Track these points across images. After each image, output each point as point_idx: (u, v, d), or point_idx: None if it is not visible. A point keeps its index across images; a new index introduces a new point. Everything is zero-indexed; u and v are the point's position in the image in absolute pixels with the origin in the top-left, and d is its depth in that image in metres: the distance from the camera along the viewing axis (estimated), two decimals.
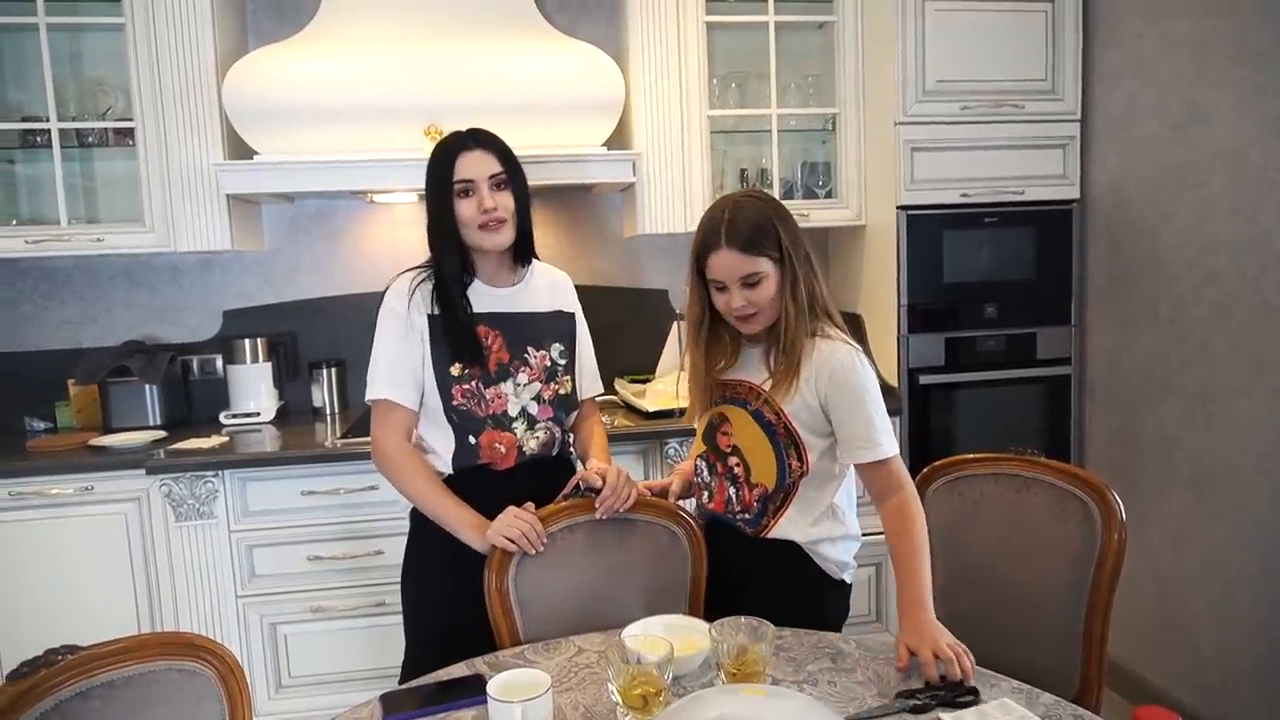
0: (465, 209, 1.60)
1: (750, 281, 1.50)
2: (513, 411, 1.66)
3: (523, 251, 1.72)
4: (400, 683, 1.57)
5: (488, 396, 1.64)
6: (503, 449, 1.66)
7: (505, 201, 1.63)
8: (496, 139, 1.66)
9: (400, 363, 1.63)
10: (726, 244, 1.49)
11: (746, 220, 1.50)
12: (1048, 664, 1.52)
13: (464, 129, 1.67)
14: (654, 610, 1.53)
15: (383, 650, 2.54)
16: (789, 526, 1.60)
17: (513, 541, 1.52)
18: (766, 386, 1.56)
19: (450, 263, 1.64)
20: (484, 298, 1.68)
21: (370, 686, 2.48)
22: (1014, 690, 1.18)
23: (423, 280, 1.66)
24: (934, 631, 1.33)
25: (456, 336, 1.63)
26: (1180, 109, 2.43)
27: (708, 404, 1.66)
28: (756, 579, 1.62)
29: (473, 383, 1.64)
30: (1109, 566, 1.50)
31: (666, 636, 1.28)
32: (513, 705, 1.17)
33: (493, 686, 1.21)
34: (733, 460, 1.63)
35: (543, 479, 1.67)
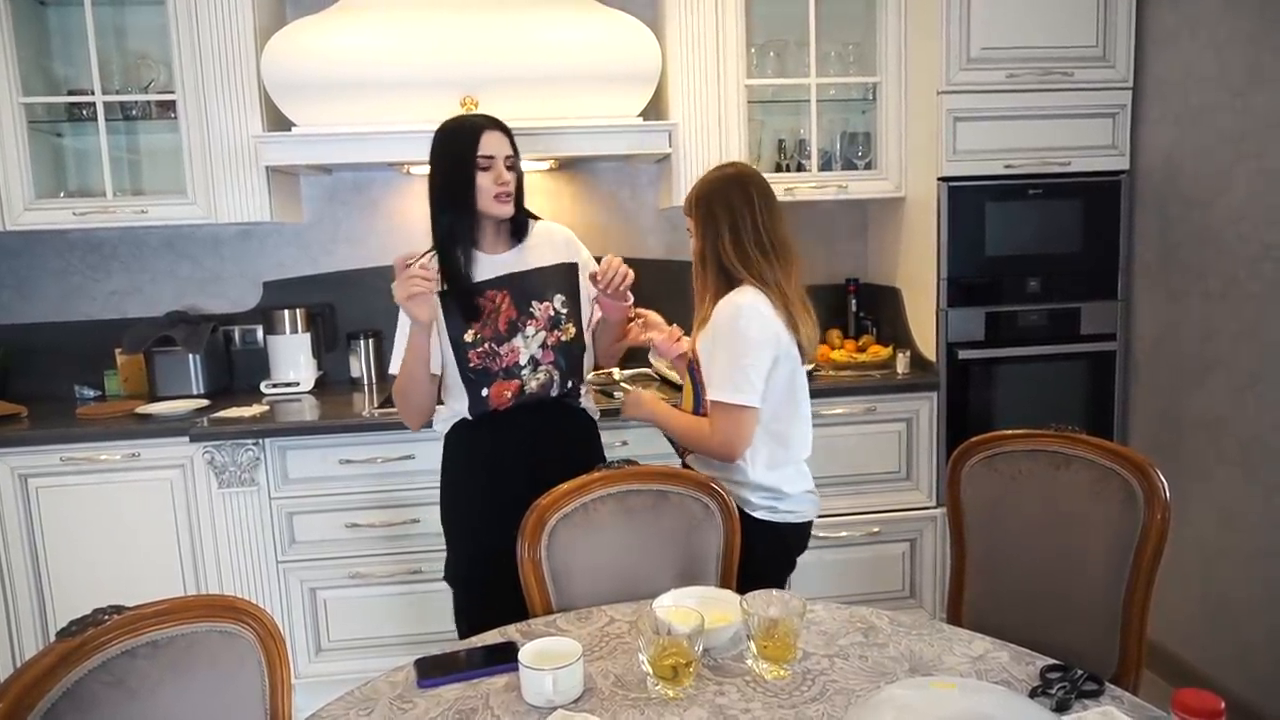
0: (484, 180, 1.77)
1: (692, 234, 1.82)
2: (523, 361, 1.83)
3: (518, 224, 1.89)
4: (446, 578, 1.92)
5: (502, 352, 1.81)
6: (509, 394, 1.83)
7: (512, 179, 1.82)
8: (508, 127, 1.84)
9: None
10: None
11: (695, 185, 1.82)
12: (1086, 643, 1.49)
13: (479, 113, 1.88)
14: (685, 581, 1.53)
15: (419, 616, 2.59)
16: (695, 460, 1.84)
17: (416, 294, 1.66)
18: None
19: (461, 226, 1.80)
20: (486, 266, 1.84)
21: (406, 651, 2.53)
22: (1113, 698, 1.16)
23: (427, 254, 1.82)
24: (637, 398, 1.88)
25: (465, 300, 1.80)
26: (1240, 74, 2.33)
27: None
28: None
29: (486, 344, 1.81)
30: (1151, 546, 1.47)
31: (698, 608, 1.28)
32: (544, 673, 1.19)
33: (525, 654, 1.23)
34: (683, 387, 1.92)
35: (540, 417, 1.87)
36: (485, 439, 1.86)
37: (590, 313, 1.94)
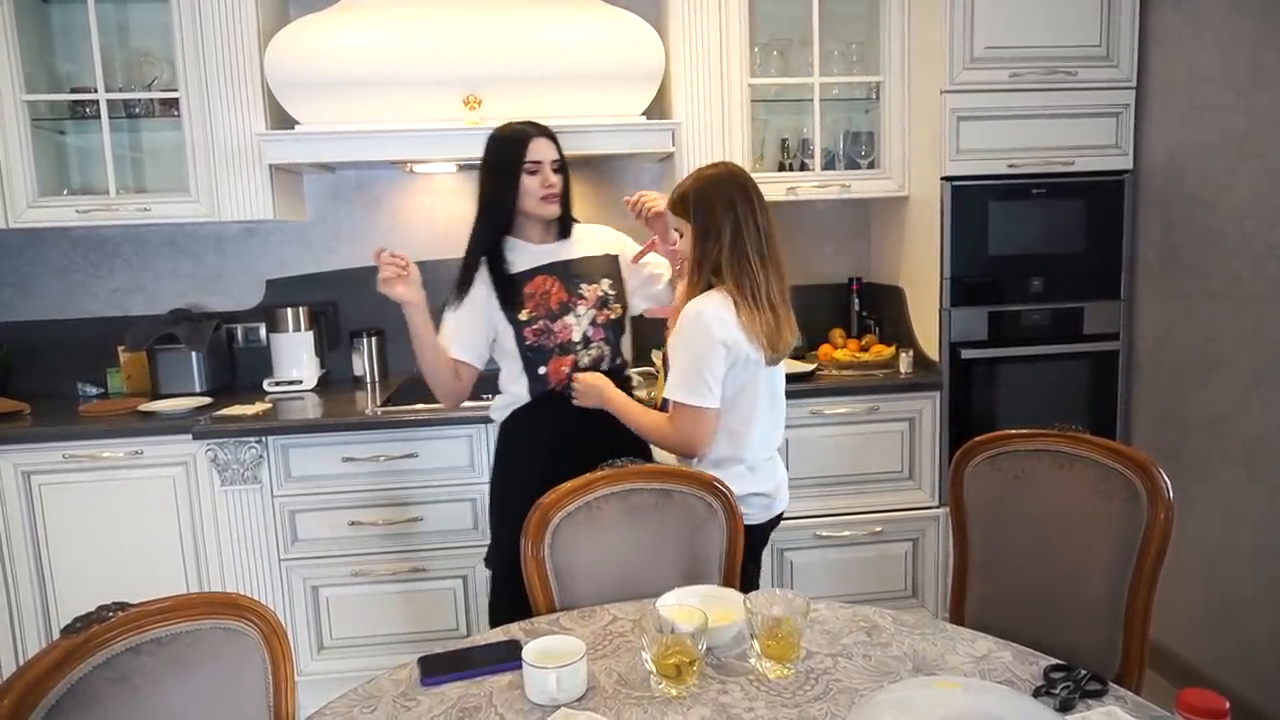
0: (531, 183, 1.92)
1: (682, 234, 1.80)
2: (575, 338, 1.96)
3: (564, 222, 2.04)
4: (486, 563, 2.08)
5: (555, 329, 1.94)
6: (566, 369, 1.95)
7: (559, 182, 1.96)
8: (554, 133, 1.98)
9: (461, 332, 1.96)
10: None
11: (687, 183, 1.79)
12: (1088, 643, 1.49)
13: (528, 121, 1.98)
14: (688, 580, 1.53)
15: (421, 614, 2.59)
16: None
17: (387, 278, 1.80)
18: None
19: (503, 223, 1.97)
20: (536, 255, 1.98)
21: (408, 649, 2.53)
22: (1116, 699, 1.16)
23: (469, 266, 1.98)
24: (593, 381, 1.87)
25: (509, 288, 1.95)
26: (1244, 73, 2.33)
27: None
28: None
29: (541, 321, 1.94)
30: (1154, 546, 1.47)
31: (701, 607, 1.28)
32: (547, 671, 1.19)
33: (528, 652, 1.23)
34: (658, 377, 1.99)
35: None
36: (546, 418, 1.96)
37: (637, 284, 2.09)
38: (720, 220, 1.73)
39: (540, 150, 1.92)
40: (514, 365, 1.97)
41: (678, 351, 1.74)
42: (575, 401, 1.92)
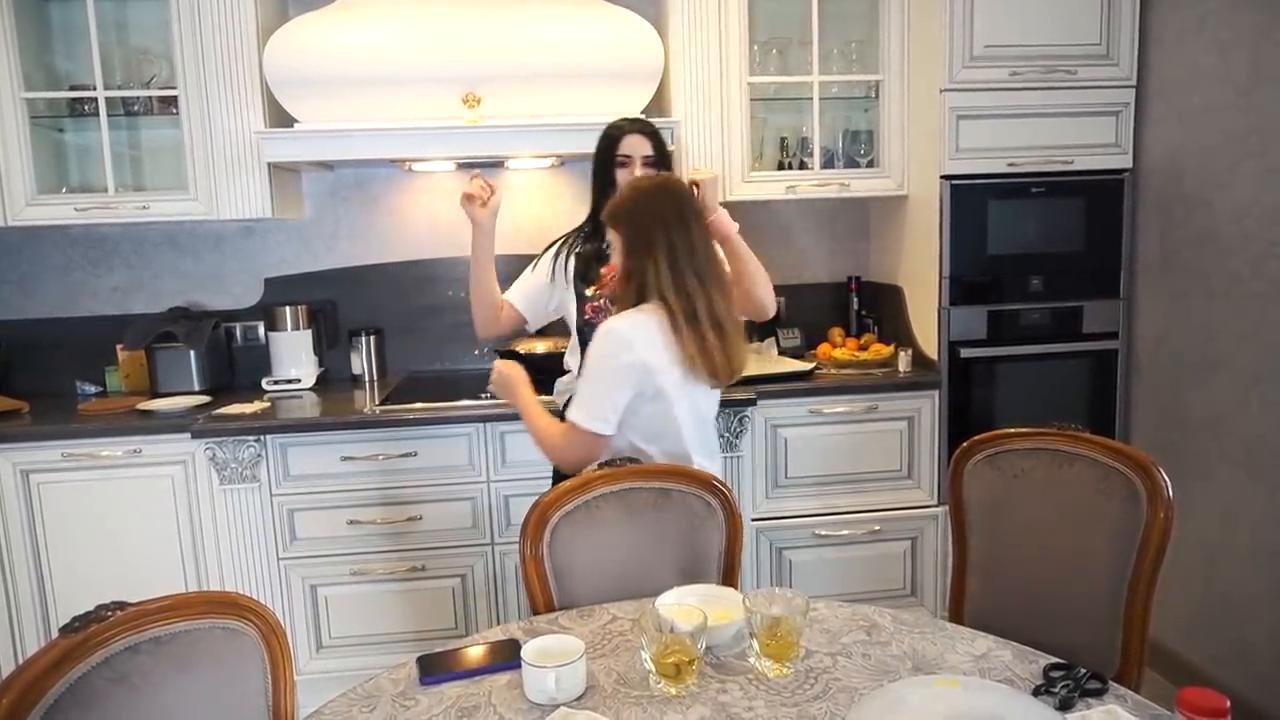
0: (622, 176, 2.03)
1: (614, 250, 1.76)
2: None
3: None
4: None
5: (612, 311, 1.94)
6: None
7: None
8: (655, 130, 2.09)
9: (526, 283, 2.18)
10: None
11: (620, 196, 1.76)
12: (1087, 642, 1.49)
13: (629, 118, 2.10)
14: (687, 579, 1.53)
15: (420, 613, 2.59)
16: None
17: (469, 193, 1.97)
18: None
19: (595, 217, 2.07)
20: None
21: (407, 649, 2.53)
22: (1116, 697, 1.16)
23: (567, 240, 2.19)
24: (507, 372, 1.84)
25: (587, 268, 2.10)
26: (1244, 72, 2.33)
27: None
28: None
29: (601, 300, 2.07)
30: (1154, 545, 1.47)
31: (700, 606, 1.28)
32: (546, 670, 1.19)
33: (527, 651, 1.23)
34: None
35: None
36: None
37: None
38: (652, 237, 1.68)
39: (632, 145, 2.04)
40: (574, 339, 2.12)
41: (587, 371, 1.71)
42: (489, 386, 1.93)
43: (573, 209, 3.09)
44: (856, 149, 2.94)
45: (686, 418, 1.76)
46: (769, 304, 2.01)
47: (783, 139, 3.06)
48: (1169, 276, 2.64)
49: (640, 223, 1.70)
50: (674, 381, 1.70)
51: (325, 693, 1.31)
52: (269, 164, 2.63)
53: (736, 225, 1.91)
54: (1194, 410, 2.55)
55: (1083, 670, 1.21)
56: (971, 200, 2.67)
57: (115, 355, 2.91)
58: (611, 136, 2.07)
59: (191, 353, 2.84)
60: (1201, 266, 2.50)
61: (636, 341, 1.66)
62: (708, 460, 1.82)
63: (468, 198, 1.98)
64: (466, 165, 2.93)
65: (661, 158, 2.07)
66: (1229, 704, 0.93)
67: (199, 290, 3.04)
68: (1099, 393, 2.80)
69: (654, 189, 1.73)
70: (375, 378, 3.02)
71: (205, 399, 2.74)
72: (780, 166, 3.03)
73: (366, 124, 2.54)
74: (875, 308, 3.15)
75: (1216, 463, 2.47)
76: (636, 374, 1.67)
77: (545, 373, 2.17)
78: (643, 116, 2.20)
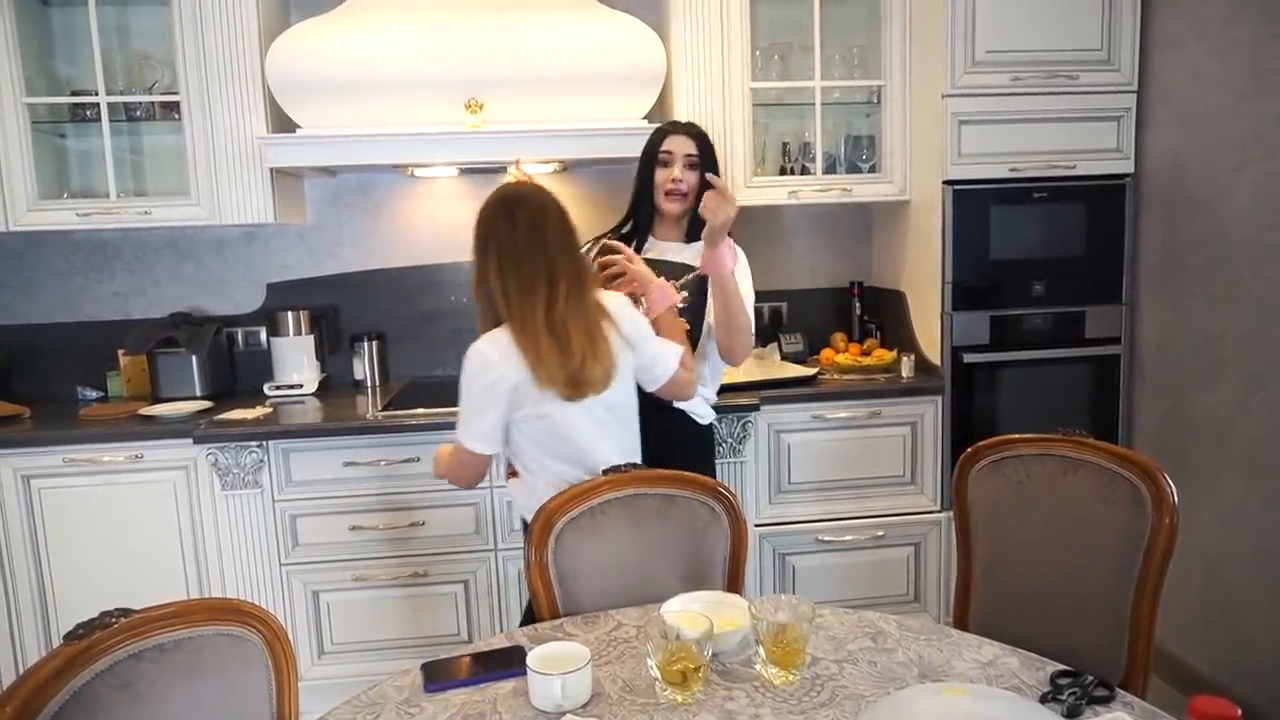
0: (660, 175, 2.06)
1: None
2: None
3: (693, 226, 2.07)
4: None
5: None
6: None
7: (691, 178, 2.04)
8: (702, 132, 2.10)
9: None
10: None
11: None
12: (1093, 649, 1.49)
13: (679, 120, 2.16)
14: (692, 585, 1.53)
15: (423, 620, 2.58)
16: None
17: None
18: None
19: (641, 211, 2.12)
20: (650, 246, 2.12)
21: (411, 655, 2.52)
22: (1124, 704, 1.15)
23: (598, 240, 2.16)
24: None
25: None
26: (1245, 77, 2.33)
27: None
28: None
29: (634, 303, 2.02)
30: (1159, 551, 1.47)
31: (705, 613, 1.27)
32: (552, 678, 1.18)
33: (533, 659, 1.22)
34: None
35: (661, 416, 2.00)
36: None
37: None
38: (484, 244, 1.65)
39: (675, 144, 2.04)
40: None
41: (460, 393, 1.67)
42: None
43: (575, 214, 3.07)
44: (859, 154, 2.95)
45: (584, 422, 1.68)
46: (739, 355, 2.03)
47: (785, 144, 3.06)
48: (1171, 281, 2.64)
49: (476, 235, 1.67)
50: (551, 394, 1.63)
51: (327, 699, 1.30)
52: (271, 169, 2.63)
53: (731, 268, 1.93)
54: (1197, 414, 2.55)
55: (1090, 677, 1.21)
56: (973, 205, 2.67)
57: (117, 360, 2.91)
58: (658, 134, 2.10)
59: (193, 358, 2.84)
60: (1204, 271, 2.50)
61: (497, 361, 1.61)
62: (634, 457, 1.79)
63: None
64: (469, 170, 2.93)
65: (705, 160, 2.05)
66: (1240, 713, 0.92)
67: (201, 295, 3.04)
68: (1102, 397, 2.80)
69: (491, 197, 1.69)
70: (377, 383, 3.02)
71: (207, 404, 2.74)
72: (782, 171, 3.03)
73: (369, 129, 2.54)
74: (878, 313, 3.15)
75: (1219, 467, 2.46)
76: (504, 393, 1.62)
77: None
78: (693, 121, 2.23)
